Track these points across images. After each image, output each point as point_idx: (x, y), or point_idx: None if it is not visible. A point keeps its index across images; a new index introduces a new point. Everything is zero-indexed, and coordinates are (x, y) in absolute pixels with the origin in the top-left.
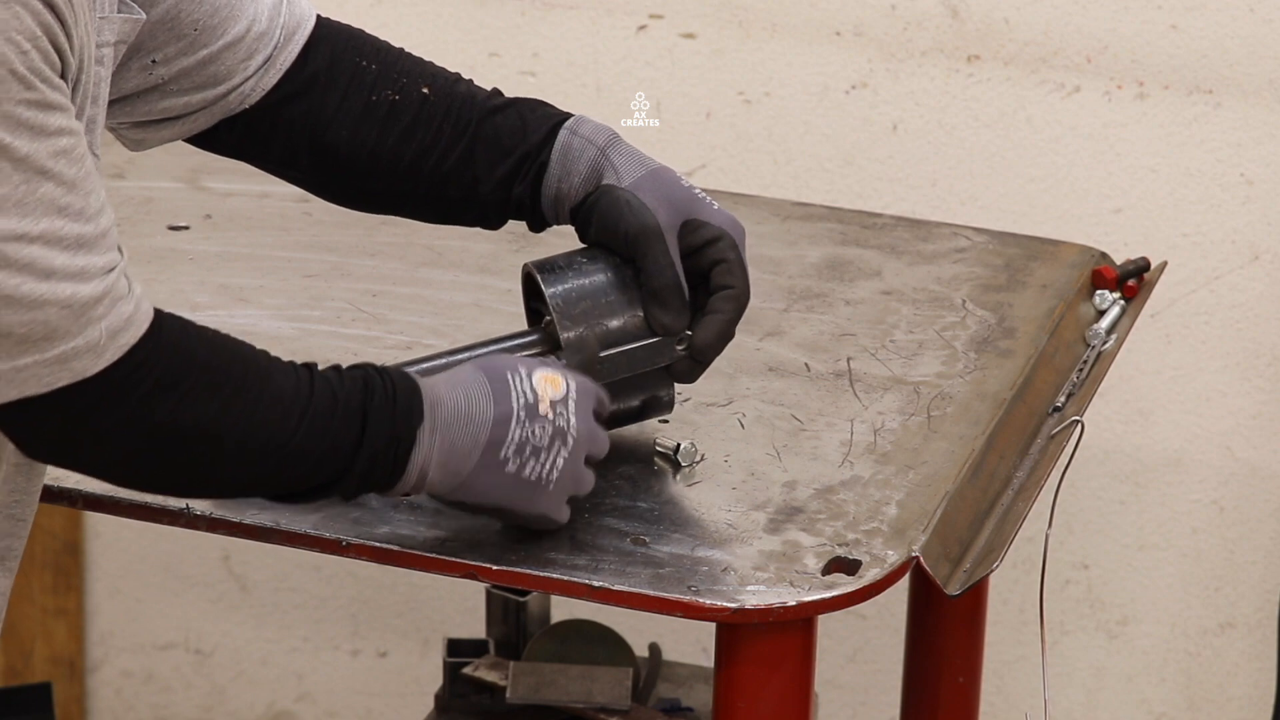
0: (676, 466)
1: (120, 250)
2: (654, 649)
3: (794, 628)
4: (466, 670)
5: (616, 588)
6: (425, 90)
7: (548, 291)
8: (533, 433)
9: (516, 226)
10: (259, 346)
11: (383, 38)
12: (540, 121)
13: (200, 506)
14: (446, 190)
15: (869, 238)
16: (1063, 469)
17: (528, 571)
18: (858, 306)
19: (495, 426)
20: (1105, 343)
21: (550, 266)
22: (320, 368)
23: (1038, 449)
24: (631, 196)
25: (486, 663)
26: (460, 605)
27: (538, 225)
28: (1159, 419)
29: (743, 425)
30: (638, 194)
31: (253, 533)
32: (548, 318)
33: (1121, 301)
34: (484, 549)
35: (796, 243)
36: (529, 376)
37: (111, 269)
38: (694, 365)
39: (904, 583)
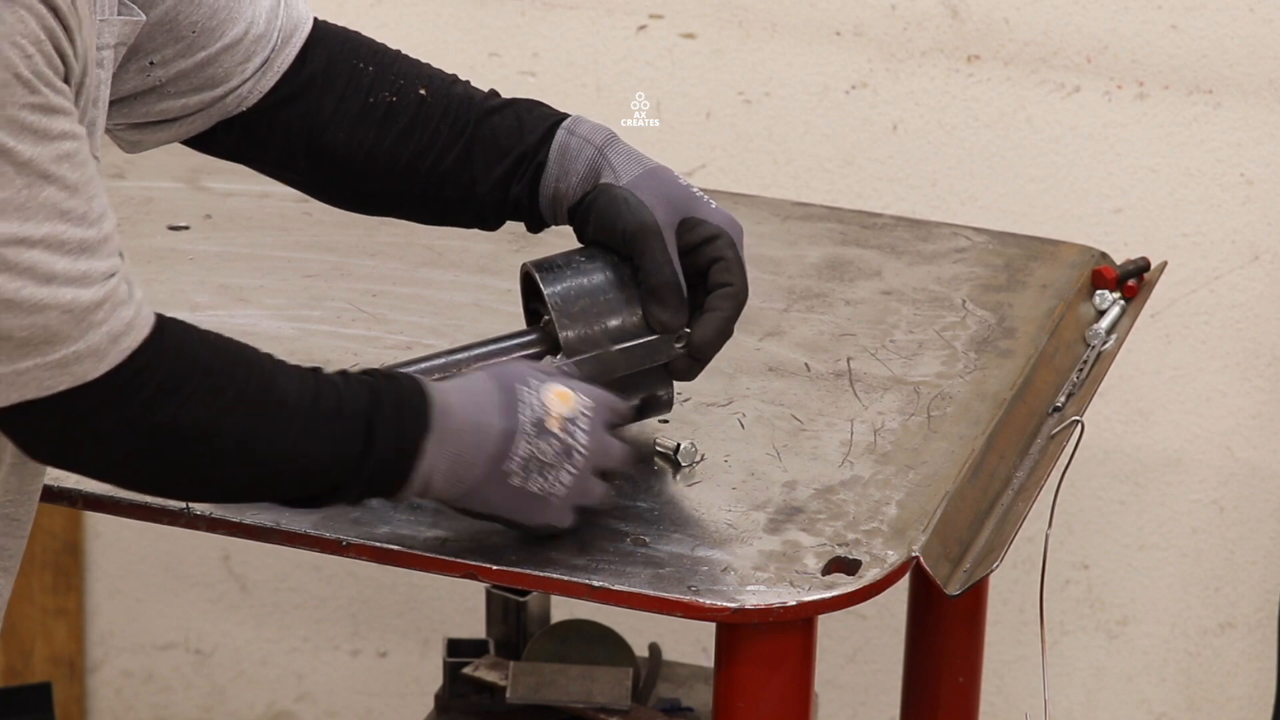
0: (676, 466)
1: (121, 255)
2: (654, 649)
3: (794, 628)
4: (466, 670)
5: (616, 588)
6: (422, 91)
7: (546, 291)
8: (539, 448)
9: (515, 226)
10: (259, 347)
11: (382, 38)
12: (537, 121)
13: (200, 507)
14: (444, 191)
15: (869, 238)
16: (1063, 469)
17: (528, 571)
18: (858, 306)
19: (502, 440)
20: (1105, 343)
21: (548, 266)
22: (327, 372)
23: (1038, 449)
24: (629, 195)
25: (486, 663)
26: (460, 605)
27: (535, 225)
28: (1159, 419)
29: (743, 425)
30: (635, 192)
31: (253, 533)
32: (546, 317)
33: (1121, 301)
34: (484, 549)
35: (796, 243)
36: (539, 389)
37: (113, 274)
38: (693, 363)
39: (904, 583)
